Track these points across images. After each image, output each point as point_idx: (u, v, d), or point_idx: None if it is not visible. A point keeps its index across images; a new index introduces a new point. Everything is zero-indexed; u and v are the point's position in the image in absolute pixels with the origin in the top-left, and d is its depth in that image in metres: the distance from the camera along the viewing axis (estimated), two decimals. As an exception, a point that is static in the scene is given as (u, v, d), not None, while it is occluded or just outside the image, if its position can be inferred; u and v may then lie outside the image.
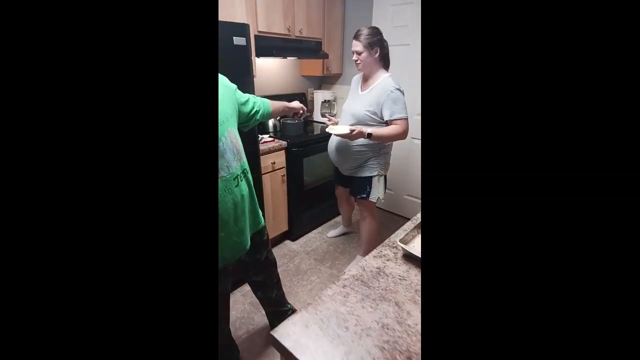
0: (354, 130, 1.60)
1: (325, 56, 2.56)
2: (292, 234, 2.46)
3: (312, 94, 2.99)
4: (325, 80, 3.10)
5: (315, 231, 2.65)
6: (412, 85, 2.24)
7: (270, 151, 2.08)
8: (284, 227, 2.41)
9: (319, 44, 2.56)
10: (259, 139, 2.13)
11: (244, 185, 1.08)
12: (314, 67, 2.78)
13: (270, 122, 2.44)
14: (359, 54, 1.69)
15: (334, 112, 2.48)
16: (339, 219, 2.82)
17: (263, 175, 2.08)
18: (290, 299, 1.75)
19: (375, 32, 1.67)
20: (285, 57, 2.38)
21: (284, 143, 2.16)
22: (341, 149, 1.89)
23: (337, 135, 1.67)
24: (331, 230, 2.61)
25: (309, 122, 2.81)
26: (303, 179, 2.39)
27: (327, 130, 1.74)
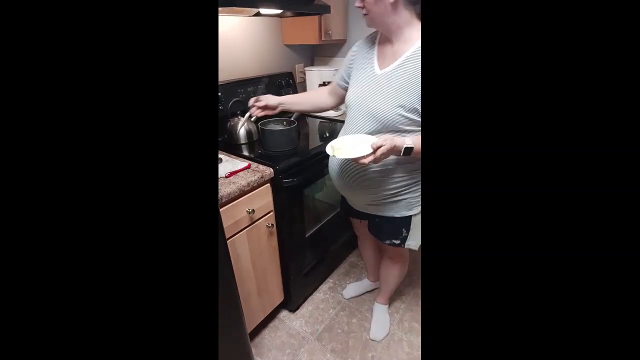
0: (379, 148, 0.84)
1: (324, 10, 1.53)
2: (291, 302, 1.55)
3: (304, 72, 1.97)
4: (321, 51, 2.08)
5: (323, 288, 1.74)
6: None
7: (245, 191, 1.11)
8: (278, 298, 1.49)
9: (312, -11, 1.53)
10: (222, 172, 1.15)
11: None
12: (306, 30, 1.76)
13: (242, 131, 1.45)
14: None
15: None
16: (356, 258, 1.91)
17: (233, 238, 1.13)
18: None
19: None
20: (257, 8, 1.35)
21: (268, 171, 1.19)
22: (352, 173, 1.06)
23: (350, 159, 0.89)
24: (349, 286, 1.71)
25: (299, 122, 1.81)
26: (303, 221, 1.45)
27: (329, 151, 0.92)
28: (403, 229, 1.11)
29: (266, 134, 1.35)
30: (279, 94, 1.80)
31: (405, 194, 1.03)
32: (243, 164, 1.20)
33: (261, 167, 1.21)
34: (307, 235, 1.50)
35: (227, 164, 1.20)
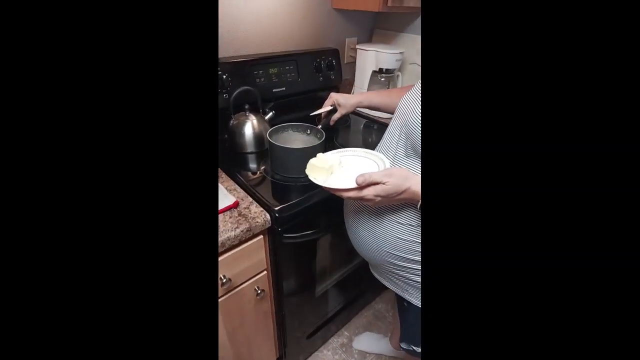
0: (370, 186, 0.57)
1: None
2: (289, 357, 1.17)
3: (355, 51, 1.44)
4: (385, 23, 1.51)
5: (334, 344, 1.34)
6: None
7: (219, 251, 0.70)
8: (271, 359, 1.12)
9: None
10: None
11: None
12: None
13: (249, 132, 1.01)
14: None
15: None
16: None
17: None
18: None
19: None
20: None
21: (260, 219, 0.76)
22: (375, 232, 0.68)
23: (332, 191, 0.62)
24: (364, 336, 1.32)
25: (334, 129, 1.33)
26: (314, 277, 1.02)
27: (309, 175, 0.66)
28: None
29: (275, 151, 0.89)
30: (316, 79, 1.33)
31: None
32: (228, 200, 0.78)
33: (253, 208, 0.78)
34: (318, 295, 1.08)
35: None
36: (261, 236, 0.79)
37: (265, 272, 0.86)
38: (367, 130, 1.30)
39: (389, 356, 1.28)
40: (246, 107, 1.02)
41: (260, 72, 1.14)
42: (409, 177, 0.56)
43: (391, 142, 0.67)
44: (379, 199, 0.56)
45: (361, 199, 0.57)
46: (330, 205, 0.88)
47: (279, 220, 0.77)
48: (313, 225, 0.85)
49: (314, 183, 0.63)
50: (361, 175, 0.56)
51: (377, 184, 0.55)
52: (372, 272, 0.80)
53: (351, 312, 1.38)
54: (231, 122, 1.03)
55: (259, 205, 0.79)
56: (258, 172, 0.95)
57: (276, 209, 0.77)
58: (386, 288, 0.78)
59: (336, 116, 0.94)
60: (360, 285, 1.30)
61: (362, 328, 1.39)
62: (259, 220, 0.74)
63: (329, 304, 1.18)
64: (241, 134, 1.02)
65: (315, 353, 1.29)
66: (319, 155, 0.66)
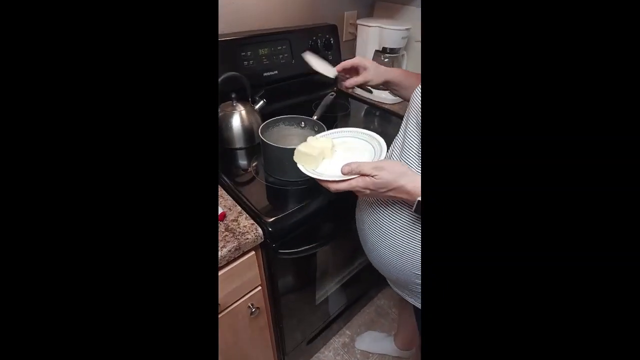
0: (357, 178, 0.51)
1: None
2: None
3: (356, 27, 1.28)
4: (386, -7, 1.34)
5: (335, 344, 1.28)
6: None
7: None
8: (267, 369, 1.05)
9: None
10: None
11: None
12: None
13: (237, 125, 0.88)
14: None
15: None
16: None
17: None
18: None
19: None
20: None
21: (251, 235, 0.65)
22: (399, 250, 0.58)
23: (319, 182, 0.55)
24: (366, 335, 1.27)
25: (336, 102, 1.19)
26: (314, 286, 0.93)
27: (298, 164, 0.59)
28: None
29: (269, 151, 0.77)
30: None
31: None
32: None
33: (243, 221, 0.67)
34: (318, 302, 0.99)
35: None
36: (253, 252, 0.69)
37: (259, 287, 0.76)
38: (369, 118, 1.18)
39: (392, 356, 1.22)
40: (233, 96, 0.89)
41: (249, 53, 1.00)
42: (404, 173, 0.49)
43: (403, 132, 0.57)
44: (368, 191, 0.51)
45: (344, 188, 0.52)
46: (334, 213, 0.77)
47: (273, 235, 0.66)
48: (313, 237, 0.75)
49: (303, 173, 0.57)
50: (347, 165, 0.51)
51: (362, 177, 0.50)
52: (392, 287, 0.70)
53: (353, 310, 1.31)
54: (218, 112, 0.90)
55: (249, 217, 0.68)
56: (249, 170, 0.83)
57: (269, 221, 0.66)
58: (388, 284, 0.71)
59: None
60: (363, 284, 1.23)
61: (365, 326, 1.33)
62: (249, 237, 0.64)
63: (330, 307, 1.10)
64: (228, 128, 0.89)
65: (317, 355, 1.23)
66: (309, 139, 0.59)
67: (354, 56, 1.26)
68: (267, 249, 0.70)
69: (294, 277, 0.84)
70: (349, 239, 0.82)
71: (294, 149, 0.74)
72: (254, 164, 0.86)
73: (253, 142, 0.91)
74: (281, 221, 0.67)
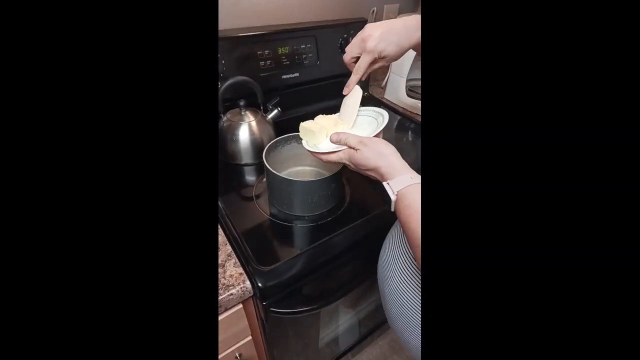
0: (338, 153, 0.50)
1: None
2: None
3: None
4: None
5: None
6: None
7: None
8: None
9: None
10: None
11: None
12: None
13: (244, 138, 0.76)
14: None
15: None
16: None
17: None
18: None
19: None
20: None
21: (237, 289, 0.52)
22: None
23: (314, 154, 0.54)
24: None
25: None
26: (317, 329, 0.81)
27: (302, 139, 0.56)
28: None
29: (271, 177, 0.64)
30: (339, 62, 0.95)
31: None
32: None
33: (230, 268, 0.54)
34: (322, 343, 0.86)
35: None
36: (240, 306, 0.57)
37: (249, 337, 0.65)
38: (400, 132, 1.01)
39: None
40: (241, 103, 0.76)
41: (266, 52, 0.86)
42: (383, 155, 0.45)
43: None
44: (352, 166, 0.48)
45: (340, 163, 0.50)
46: (347, 263, 0.63)
47: (265, 292, 0.53)
48: (317, 294, 0.61)
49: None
50: (337, 134, 0.49)
51: (352, 148, 0.47)
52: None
53: (363, 343, 1.18)
54: (221, 122, 0.77)
55: (238, 263, 0.55)
56: (252, 195, 0.71)
57: (264, 270, 0.53)
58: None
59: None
60: (378, 317, 1.09)
61: (374, 362, 1.20)
62: (234, 292, 0.51)
63: (336, 346, 0.97)
64: (233, 140, 0.77)
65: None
66: (317, 117, 0.57)
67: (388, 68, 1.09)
68: (258, 303, 0.57)
69: (292, 326, 0.72)
70: (363, 269, 0.68)
71: (301, 181, 0.60)
72: (258, 184, 0.73)
73: (262, 158, 0.78)
74: (278, 273, 0.54)
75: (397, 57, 0.50)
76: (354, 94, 0.56)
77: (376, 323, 1.11)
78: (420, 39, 0.47)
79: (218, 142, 0.76)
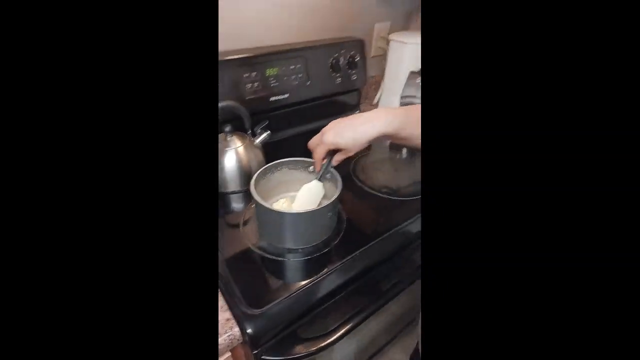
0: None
1: None
2: None
3: (387, 41, 1.08)
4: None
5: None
6: None
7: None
8: None
9: None
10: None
11: None
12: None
13: (231, 166, 0.70)
14: None
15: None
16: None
17: None
18: None
19: None
20: None
21: (225, 338, 0.47)
22: None
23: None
24: None
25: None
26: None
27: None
28: None
29: (260, 209, 0.59)
30: (332, 81, 0.97)
31: None
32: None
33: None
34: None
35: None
36: (228, 354, 0.51)
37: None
38: (394, 152, 0.97)
39: None
40: (226, 129, 0.72)
41: (254, 74, 0.82)
42: (329, 127, 0.54)
43: None
44: (333, 139, 0.53)
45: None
46: (347, 298, 0.58)
47: (255, 339, 0.48)
48: (312, 337, 0.55)
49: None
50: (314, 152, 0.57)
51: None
52: None
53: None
54: (207, 148, 0.73)
55: (225, 307, 0.50)
56: (239, 227, 0.66)
57: (254, 314, 0.48)
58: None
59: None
60: (380, 344, 1.02)
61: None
62: (221, 340, 0.46)
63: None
64: (219, 167, 0.72)
65: None
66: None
67: (382, 73, 1.07)
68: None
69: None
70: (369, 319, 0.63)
71: (296, 214, 0.56)
72: (246, 214, 0.68)
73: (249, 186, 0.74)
74: (269, 316, 0.49)
75: (355, 149, 0.54)
76: (313, 189, 0.60)
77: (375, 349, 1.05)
78: (380, 133, 0.51)
79: (218, 166, 0.71)
